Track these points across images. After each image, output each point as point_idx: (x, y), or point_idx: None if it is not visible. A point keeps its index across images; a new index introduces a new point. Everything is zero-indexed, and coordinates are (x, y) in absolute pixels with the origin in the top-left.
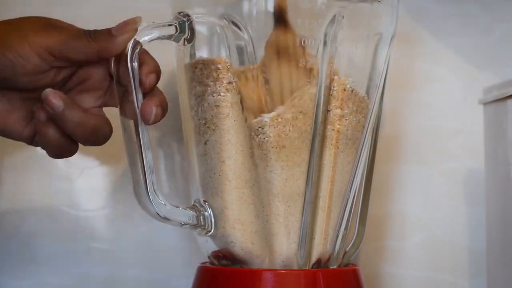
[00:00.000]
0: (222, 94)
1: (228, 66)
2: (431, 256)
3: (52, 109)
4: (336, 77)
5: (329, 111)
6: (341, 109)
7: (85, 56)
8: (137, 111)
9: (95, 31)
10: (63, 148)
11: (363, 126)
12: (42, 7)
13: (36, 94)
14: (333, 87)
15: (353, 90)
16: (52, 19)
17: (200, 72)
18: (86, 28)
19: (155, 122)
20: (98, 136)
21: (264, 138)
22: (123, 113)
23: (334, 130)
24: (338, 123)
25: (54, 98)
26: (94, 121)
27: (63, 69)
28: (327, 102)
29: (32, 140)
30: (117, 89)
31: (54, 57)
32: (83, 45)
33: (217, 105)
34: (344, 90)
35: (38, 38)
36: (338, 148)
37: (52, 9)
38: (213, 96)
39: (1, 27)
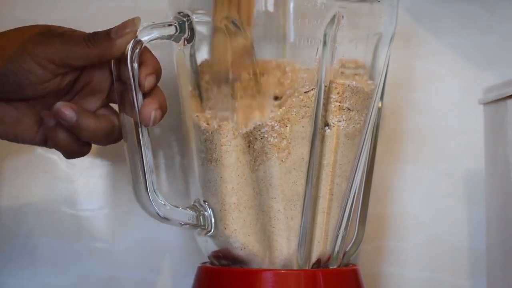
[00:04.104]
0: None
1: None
2: (431, 256)
3: (65, 121)
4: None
5: (326, 126)
6: (341, 108)
7: (85, 62)
8: (137, 112)
9: (94, 34)
10: (74, 149)
11: (364, 125)
12: (42, 7)
13: (44, 101)
14: (334, 85)
15: (355, 87)
16: (50, 25)
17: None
18: (87, 28)
19: (153, 125)
20: (113, 136)
21: (264, 136)
22: (123, 110)
23: (334, 129)
24: (338, 122)
25: (66, 110)
26: (107, 124)
27: (67, 75)
28: (327, 101)
29: (46, 143)
30: (117, 88)
31: (56, 65)
32: (83, 50)
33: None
34: (346, 87)
35: (37, 48)
36: (338, 148)
37: (52, 10)
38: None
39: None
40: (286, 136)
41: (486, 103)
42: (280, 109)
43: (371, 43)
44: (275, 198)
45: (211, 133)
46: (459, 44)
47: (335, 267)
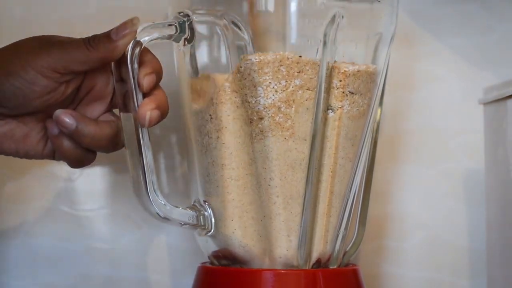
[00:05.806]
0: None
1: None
2: (431, 256)
3: (65, 128)
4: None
5: (329, 109)
6: (344, 94)
7: (88, 66)
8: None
9: (94, 37)
10: (80, 157)
11: (368, 108)
12: (42, 7)
13: (50, 113)
14: (337, 71)
15: (357, 71)
16: (49, 35)
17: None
18: (86, 28)
19: (150, 125)
20: (115, 143)
21: (271, 116)
22: (124, 112)
23: (337, 113)
24: (341, 106)
25: (66, 117)
26: (108, 130)
27: (71, 82)
28: (327, 100)
29: (54, 156)
30: (118, 89)
31: (60, 74)
32: (85, 55)
33: (215, 103)
34: (348, 74)
35: (39, 59)
36: (341, 130)
37: (50, 10)
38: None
39: (0, 55)
40: (291, 117)
41: (486, 103)
42: (286, 90)
43: (371, 43)
44: (275, 198)
45: (212, 132)
46: (459, 44)
47: (335, 267)
